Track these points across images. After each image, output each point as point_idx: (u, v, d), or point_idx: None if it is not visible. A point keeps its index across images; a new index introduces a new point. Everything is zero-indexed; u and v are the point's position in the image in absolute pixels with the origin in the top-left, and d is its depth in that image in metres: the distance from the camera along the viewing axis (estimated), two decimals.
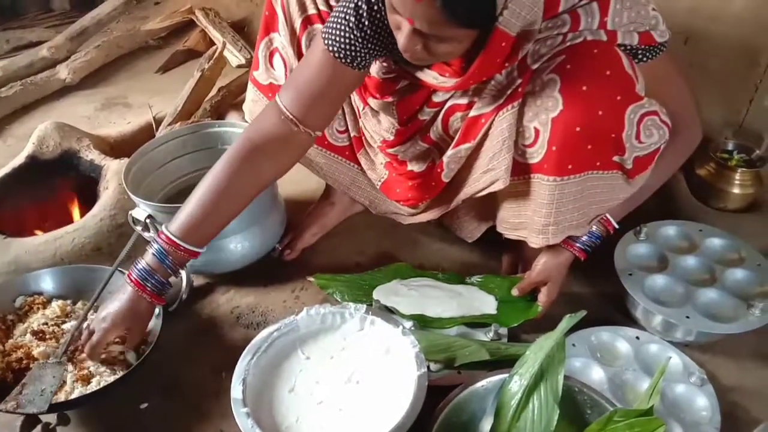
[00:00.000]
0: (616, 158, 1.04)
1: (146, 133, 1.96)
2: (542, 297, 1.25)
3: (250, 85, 1.34)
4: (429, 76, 1.10)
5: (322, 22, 1.18)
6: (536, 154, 1.05)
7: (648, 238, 1.35)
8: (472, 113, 1.11)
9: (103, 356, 1.13)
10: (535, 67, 1.01)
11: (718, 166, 1.57)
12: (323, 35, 1.05)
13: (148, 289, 1.08)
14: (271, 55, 1.26)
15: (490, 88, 1.07)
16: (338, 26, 1.03)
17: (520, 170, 1.10)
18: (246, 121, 1.44)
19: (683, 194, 1.60)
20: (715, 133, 1.68)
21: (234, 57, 2.35)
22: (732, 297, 1.20)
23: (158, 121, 1.99)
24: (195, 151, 1.55)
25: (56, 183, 1.68)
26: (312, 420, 0.99)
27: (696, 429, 1.04)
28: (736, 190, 1.55)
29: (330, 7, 1.17)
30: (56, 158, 1.70)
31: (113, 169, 1.62)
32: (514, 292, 1.29)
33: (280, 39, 1.23)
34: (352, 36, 1.03)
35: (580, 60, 0.98)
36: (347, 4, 1.03)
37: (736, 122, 1.74)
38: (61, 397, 1.07)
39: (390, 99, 1.21)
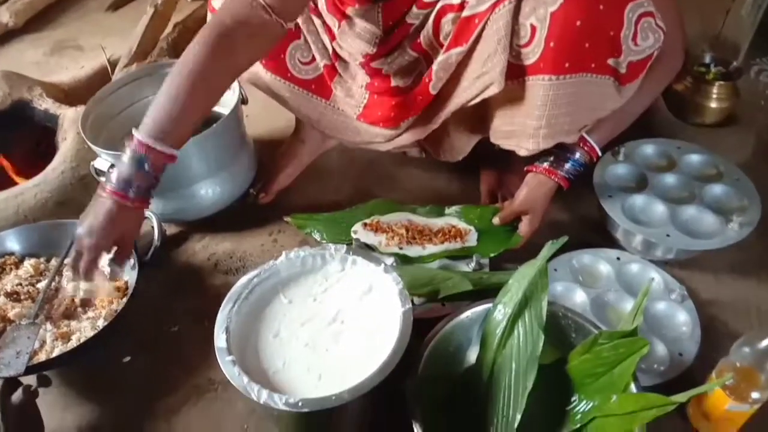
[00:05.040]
0: (611, 61, 1.01)
1: (102, 77, 1.87)
2: (524, 227, 1.23)
3: None
4: None
5: None
6: (532, 54, 1.01)
7: (626, 158, 1.33)
8: (465, 13, 1.05)
9: (100, 278, 1.08)
10: None
11: (695, 80, 1.54)
12: None
13: (131, 197, 1.00)
14: None
15: None
16: None
17: (514, 73, 1.05)
18: None
19: (660, 110, 1.59)
20: (692, 46, 1.65)
21: None
22: (711, 213, 1.20)
23: (113, 64, 1.90)
24: (155, 93, 1.46)
25: (10, 136, 1.60)
26: (299, 363, 0.98)
27: (677, 344, 1.06)
28: (713, 104, 1.53)
29: None
30: (7, 110, 1.60)
31: (70, 118, 1.53)
32: (495, 221, 1.27)
33: None
34: None
35: None
36: None
37: (712, 33, 1.71)
38: (42, 357, 1.05)
39: (373, 3, 1.14)
